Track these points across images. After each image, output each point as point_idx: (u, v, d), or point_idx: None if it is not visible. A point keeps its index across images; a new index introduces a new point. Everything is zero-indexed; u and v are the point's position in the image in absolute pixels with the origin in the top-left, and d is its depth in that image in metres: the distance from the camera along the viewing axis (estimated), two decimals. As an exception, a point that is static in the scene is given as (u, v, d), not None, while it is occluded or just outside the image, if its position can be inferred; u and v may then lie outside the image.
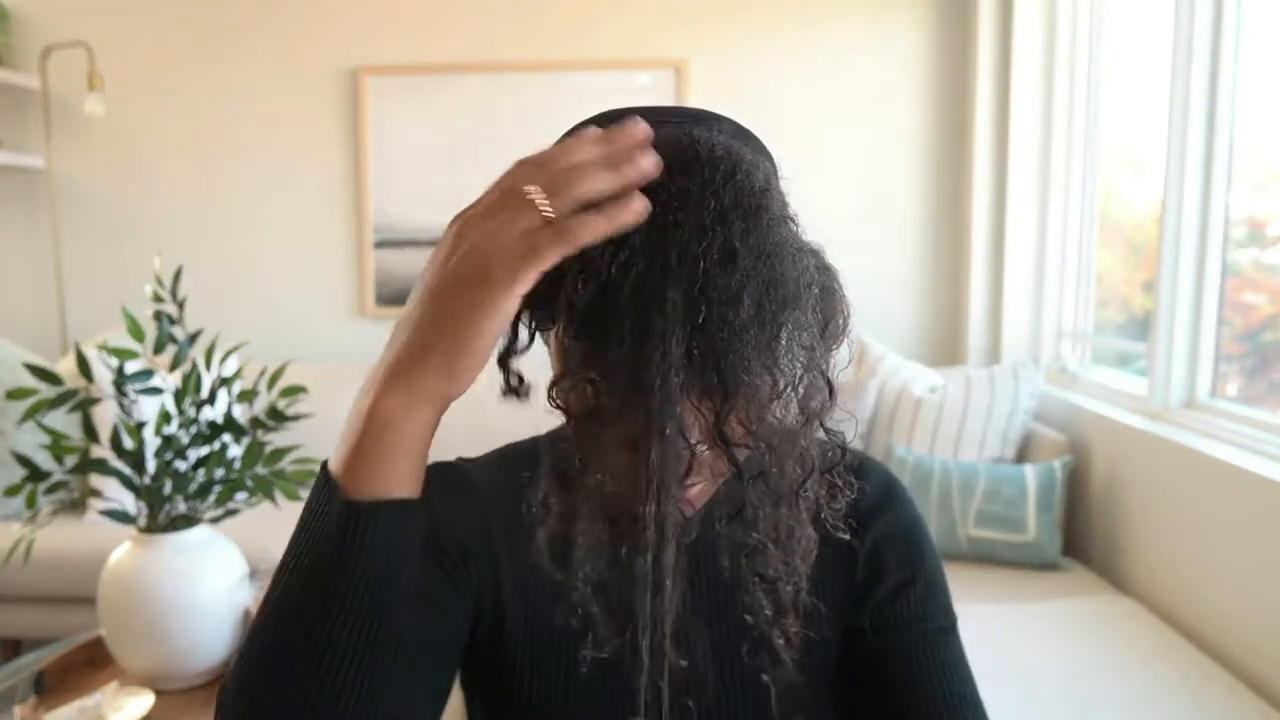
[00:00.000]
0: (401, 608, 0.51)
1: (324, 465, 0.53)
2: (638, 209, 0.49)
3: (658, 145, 0.52)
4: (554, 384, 0.54)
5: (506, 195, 0.50)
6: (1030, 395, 2.49)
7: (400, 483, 0.51)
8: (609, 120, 0.58)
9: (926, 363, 2.93)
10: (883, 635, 0.69)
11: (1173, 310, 2.06)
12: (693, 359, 0.49)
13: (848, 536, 0.63)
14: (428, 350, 0.49)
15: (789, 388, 0.53)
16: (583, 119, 0.61)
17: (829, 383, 0.55)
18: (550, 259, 0.48)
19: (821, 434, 0.57)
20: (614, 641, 0.61)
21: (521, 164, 0.51)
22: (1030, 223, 2.85)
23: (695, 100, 3.01)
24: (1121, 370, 2.52)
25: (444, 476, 0.71)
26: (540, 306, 0.52)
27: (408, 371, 0.49)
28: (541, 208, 0.48)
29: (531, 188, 0.49)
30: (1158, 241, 2.08)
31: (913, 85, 3.01)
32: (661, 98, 3.02)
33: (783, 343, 0.52)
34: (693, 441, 0.51)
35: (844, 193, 3.01)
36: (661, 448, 0.49)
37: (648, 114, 0.57)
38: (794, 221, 0.56)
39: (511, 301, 0.48)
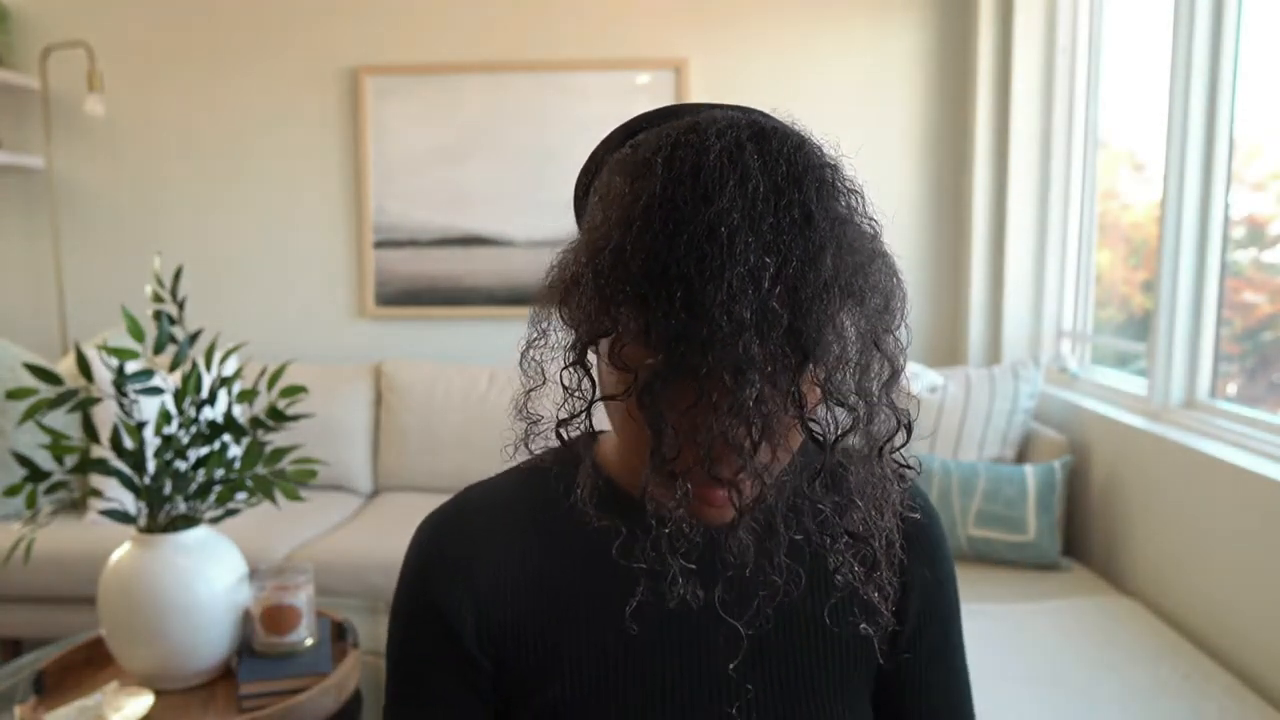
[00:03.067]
0: None
1: None
2: None
3: (729, 121, 0.52)
4: (614, 349, 0.51)
5: None
6: (1030, 395, 2.49)
7: None
8: (662, 118, 0.58)
9: (926, 363, 2.93)
10: (905, 667, 0.70)
11: (1172, 310, 2.06)
12: (775, 319, 0.47)
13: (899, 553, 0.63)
14: None
15: (861, 358, 0.52)
16: (635, 115, 0.60)
17: (896, 356, 0.54)
18: None
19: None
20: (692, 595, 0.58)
21: None
22: (1030, 223, 2.85)
23: (695, 100, 3.01)
24: (1121, 370, 2.52)
25: (441, 563, 0.67)
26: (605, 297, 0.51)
27: None
28: None
29: None
30: (1158, 241, 2.08)
31: (913, 85, 3.01)
32: (661, 98, 3.02)
33: (856, 311, 0.51)
34: (773, 407, 0.49)
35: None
36: (738, 401, 0.47)
37: (697, 106, 0.58)
38: (861, 195, 0.56)
39: None
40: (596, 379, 0.56)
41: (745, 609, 0.61)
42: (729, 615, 0.60)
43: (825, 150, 0.55)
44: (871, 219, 0.55)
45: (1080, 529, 2.35)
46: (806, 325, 0.48)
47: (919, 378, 2.62)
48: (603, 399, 0.55)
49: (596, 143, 0.63)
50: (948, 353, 3.08)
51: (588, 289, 0.51)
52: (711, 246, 0.47)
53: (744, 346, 0.47)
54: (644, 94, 3.04)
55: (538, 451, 0.61)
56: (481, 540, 0.67)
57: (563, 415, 0.57)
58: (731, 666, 0.63)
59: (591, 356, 0.55)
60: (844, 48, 3.00)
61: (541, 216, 3.10)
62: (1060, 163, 2.78)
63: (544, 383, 0.58)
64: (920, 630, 0.70)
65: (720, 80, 3.03)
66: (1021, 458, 2.51)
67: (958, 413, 2.49)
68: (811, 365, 0.49)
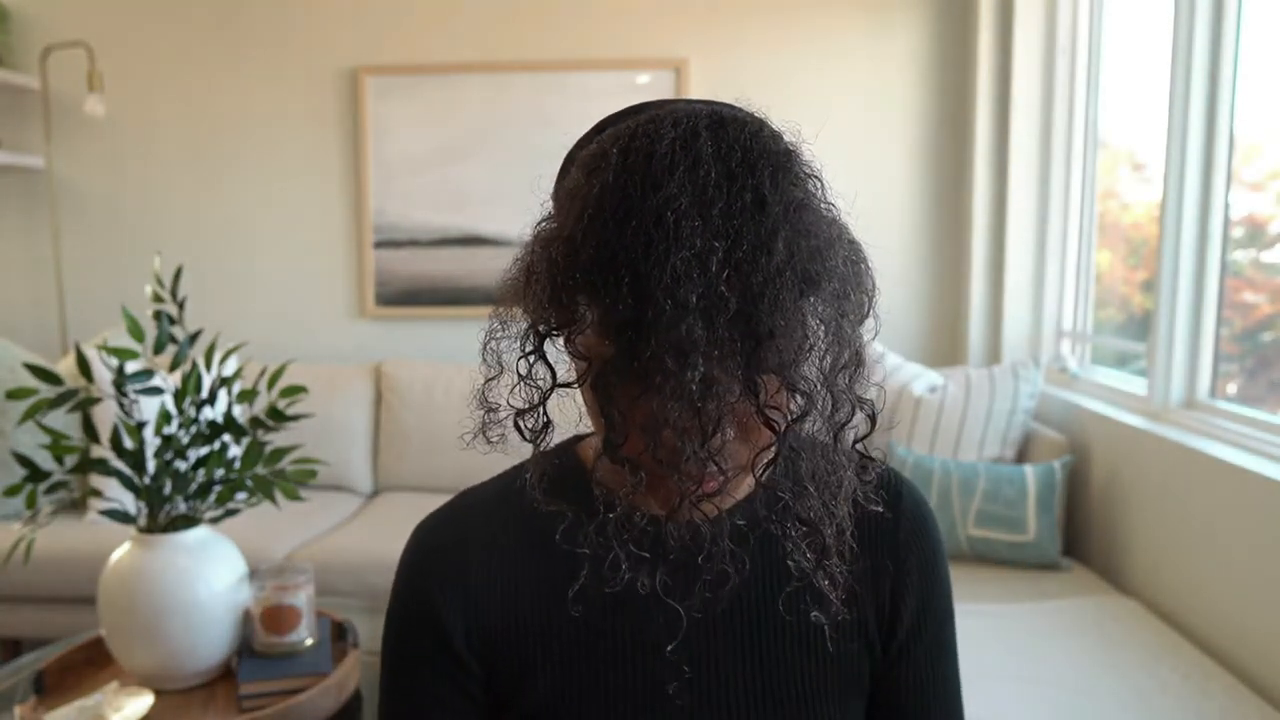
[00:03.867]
0: None
1: None
2: None
3: (688, 112, 0.53)
4: (569, 338, 0.52)
5: None
6: (1030, 395, 2.49)
7: None
8: (630, 114, 0.58)
9: (926, 363, 2.93)
10: (898, 667, 0.70)
11: (1172, 310, 2.06)
12: (722, 303, 0.47)
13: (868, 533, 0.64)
14: None
15: (819, 344, 0.51)
16: (606, 115, 0.61)
17: (859, 349, 0.54)
18: None
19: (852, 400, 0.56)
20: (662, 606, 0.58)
21: None
22: (1030, 223, 2.85)
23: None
24: (1121, 370, 2.52)
25: (434, 567, 0.68)
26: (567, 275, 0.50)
27: None
28: None
29: None
30: (1158, 241, 2.08)
31: (913, 85, 3.01)
32: (661, 98, 3.02)
33: (813, 297, 0.50)
34: (722, 391, 0.48)
35: (843, 192, 3.00)
36: (681, 384, 0.47)
37: (668, 100, 0.58)
38: (820, 181, 0.55)
39: None
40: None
41: (689, 594, 0.60)
42: (672, 598, 0.60)
43: (784, 136, 0.55)
44: (831, 204, 0.55)
45: (1080, 529, 2.35)
46: (758, 310, 0.47)
47: (920, 377, 2.62)
48: (557, 386, 0.55)
49: None
50: (948, 353, 3.08)
51: (541, 279, 0.51)
52: (658, 231, 0.47)
53: (687, 329, 0.46)
54: (644, 94, 3.04)
55: (494, 440, 0.61)
56: (473, 545, 0.68)
57: (520, 405, 0.57)
58: (670, 648, 0.63)
59: (562, 347, 0.55)
60: (844, 48, 3.00)
61: (541, 217, 3.09)
62: (1060, 163, 2.78)
63: (502, 373, 0.58)
64: (912, 629, 0.70)
65: (720, 80, 3.03)
66: (1021, 458, 2.51)
67: (958, 413, 2.49)
68: (763, 351, 0.48)
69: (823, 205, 0.54)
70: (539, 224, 0.57)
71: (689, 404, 0.47)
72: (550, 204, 0.60)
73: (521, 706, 0.66)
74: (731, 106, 0.57)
